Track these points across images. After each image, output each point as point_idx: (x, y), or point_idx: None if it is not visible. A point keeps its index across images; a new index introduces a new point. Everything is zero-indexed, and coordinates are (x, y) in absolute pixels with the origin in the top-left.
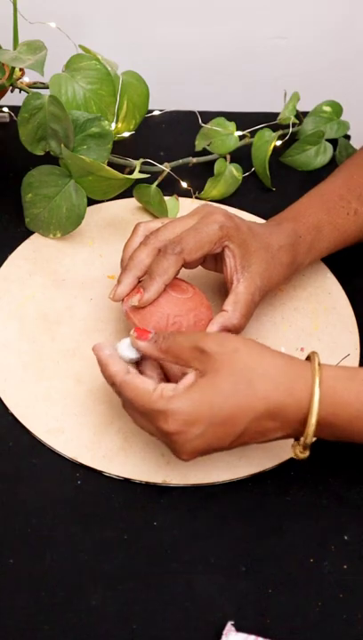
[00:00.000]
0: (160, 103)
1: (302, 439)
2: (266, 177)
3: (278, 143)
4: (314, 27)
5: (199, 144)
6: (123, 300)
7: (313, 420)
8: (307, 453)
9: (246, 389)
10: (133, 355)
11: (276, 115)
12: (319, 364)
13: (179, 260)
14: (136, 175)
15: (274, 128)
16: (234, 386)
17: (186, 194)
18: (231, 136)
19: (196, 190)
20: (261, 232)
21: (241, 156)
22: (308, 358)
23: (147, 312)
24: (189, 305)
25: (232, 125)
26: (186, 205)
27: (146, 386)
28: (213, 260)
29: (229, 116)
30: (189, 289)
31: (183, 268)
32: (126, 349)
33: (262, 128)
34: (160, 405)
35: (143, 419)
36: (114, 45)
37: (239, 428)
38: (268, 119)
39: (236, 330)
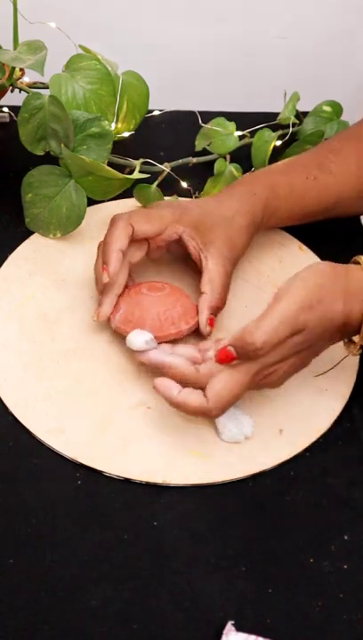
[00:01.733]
0: (160, 103)
1: (357, 338)
2: None
3: (278, 143)
4: (314, 26)
5: (199, 144)
6: (108, 319)
7: None
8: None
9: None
10: (142, 343)
11: (276, 115)
12: None
13: (127, 227)
14: (136, 175)
15: (274, 128)
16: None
17: (186, 194)
18: (231, 136)
19: (196, 190)
20: (212, 206)
21: (241, 156)
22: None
23: (137, 320)
24: (171, 299)
25: (232, 125)
26: None
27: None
28: (179, 247)
29: (229, 115)
30: (164, 286)
31: (147, 257)
32: (135, 339)
33: (261, 128)
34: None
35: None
36: (114, 45)
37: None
38: (268, 119)
39: (220, 305)
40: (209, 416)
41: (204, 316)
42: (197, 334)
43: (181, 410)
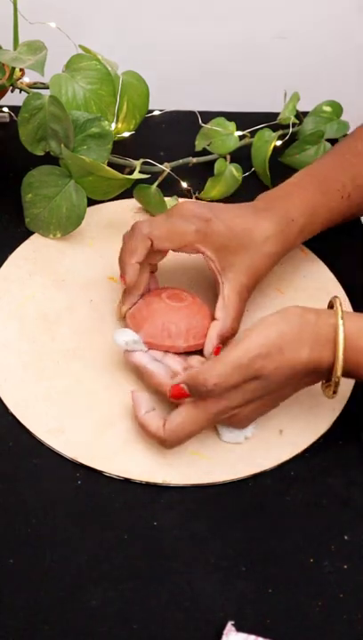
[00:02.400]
0: (160, 103)
1: (332, 381)
2: (266, 177)
3: (278, 143)
4: (314, 26)
5: (199, 144)
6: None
7: (339, 368)
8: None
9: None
10: (122, 342)
11: (276, 115)
12: (342, 312)
13: (146, 241)
14: (136, 175)
15: (274, 128)
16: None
17: (186, 194)
18: (231, 136)
19: (196, 190)
20: (242, 227)
21: (241, 156)
22: (330, 306)
23: (140, 318)
24: (182, 313)
25: (232, 125)
26: None
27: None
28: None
29: (229, 115)
30: (187, 298)
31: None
32: (117, 336)
33: (262, 128)
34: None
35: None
36: (114, 45)
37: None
38: (268, 119)
39: (232, 333)
40: (163, 446)
41: (210, 344)
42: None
43: (141, 429)
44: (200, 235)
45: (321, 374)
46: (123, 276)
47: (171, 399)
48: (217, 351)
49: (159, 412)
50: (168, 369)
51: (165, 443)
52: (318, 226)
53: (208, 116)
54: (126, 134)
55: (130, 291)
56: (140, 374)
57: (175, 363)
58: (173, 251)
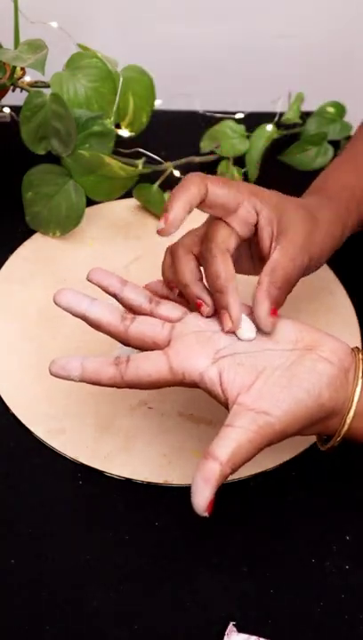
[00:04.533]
0: (160, 103)
1: (334, 437)
2: (252, 166)
3: (276, 137)
4: (315, 26)
5: (205, 145)
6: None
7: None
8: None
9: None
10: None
11: (277, 115)
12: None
13: (200, 185)
14: (138, 170)
15: (277, 127)
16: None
17: None
18: (243, 140)
19: None
20: (294, 200)
21: (241, 156)
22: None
23: None
24: None
25: (242, 129)
26: None
27: None
28: (249, 257)
29: (231, 115)
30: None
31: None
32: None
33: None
34: None
35: None
36: (115, 45)
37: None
38: (270, 119)
39: (277, 303)
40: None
41: (262, 308)
42: None
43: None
44: (253, 188)
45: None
46: (166, 214)
47: None
48: (274, 312)
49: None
50: (113, 310)
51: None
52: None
53: (210, 117)
54: (126, 133)
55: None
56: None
57: (136, 295)
58: (222, 213)
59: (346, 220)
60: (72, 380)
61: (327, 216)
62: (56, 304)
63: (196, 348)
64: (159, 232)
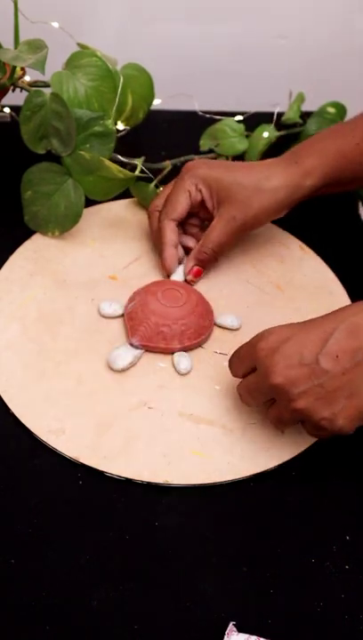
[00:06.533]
0: (160, 103)
1: None
2: None
3: (276, 135)
4: (315, 26)
5: (205, 144)
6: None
7: None
8: None
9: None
10: (125, 363)
11: (279, 115)
12: None
13: (171, 224)
14: (138, 173)
15: (277, 127)
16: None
17: None
18: (242, 139)
19: None
20: (242, 172)
21: (240, 155)
22: None
23: (136, 320)
24: (177, 314)
25: (241, 128)
26: None
27: None
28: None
29: (230, 115)
30: (183, 296)
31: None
32: (118, 359)
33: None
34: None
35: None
36: (115, 45)
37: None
38: (270, 119)
39: (209, 257)
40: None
41: (187, 266)
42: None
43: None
44: (197, 171)
45: None
46: (163, 262)
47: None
48: (195, 272)
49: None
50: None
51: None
52: (330, 170)
53: (209, 117)
54: (122, 128)
55: (165, 246)
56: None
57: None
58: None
59: (300, 182)
60: None
61: (274, 183)
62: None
63: None
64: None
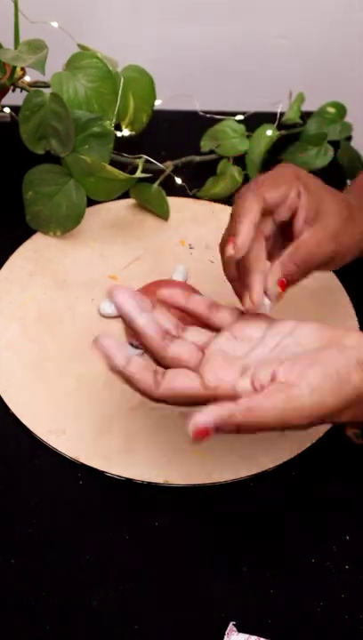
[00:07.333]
0: (161, 103)
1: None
2: (253, 167)
3: (277, 137)
4: (315, 26)
5: (205, 144)
6: None
7: None
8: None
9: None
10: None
11: (277, 115)
12: None
13: (258, 196)
14: (138, 174)
15: (278, 127)
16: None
17: (185, 193)
18: (243, 139)
19: (193, 188)
20: (343, 195)
21: (240, 157)
22: None
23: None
24: (177, 314)
25: (242, 128)
26: (186, 204)
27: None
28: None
29: (231, 115)
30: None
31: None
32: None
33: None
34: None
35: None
36: (115, 45)
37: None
38: (270, 119)
39: (290, 277)
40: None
41: (273, 277)
42: None
43: (127, 384)
44: (298, 172)
45: None
46: (231, 238)
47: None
48: (282, 284)
49: (146, 359)
50: (158, 326)
51: (159, 402)
52: None
53: (210, 117)
54: (127, 132)
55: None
56: (129, 326)
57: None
58: (274, 206)
59: None
60: (109, 362)
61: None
62: (111, 299)
63: (225, 365)
64: (229, 257)
